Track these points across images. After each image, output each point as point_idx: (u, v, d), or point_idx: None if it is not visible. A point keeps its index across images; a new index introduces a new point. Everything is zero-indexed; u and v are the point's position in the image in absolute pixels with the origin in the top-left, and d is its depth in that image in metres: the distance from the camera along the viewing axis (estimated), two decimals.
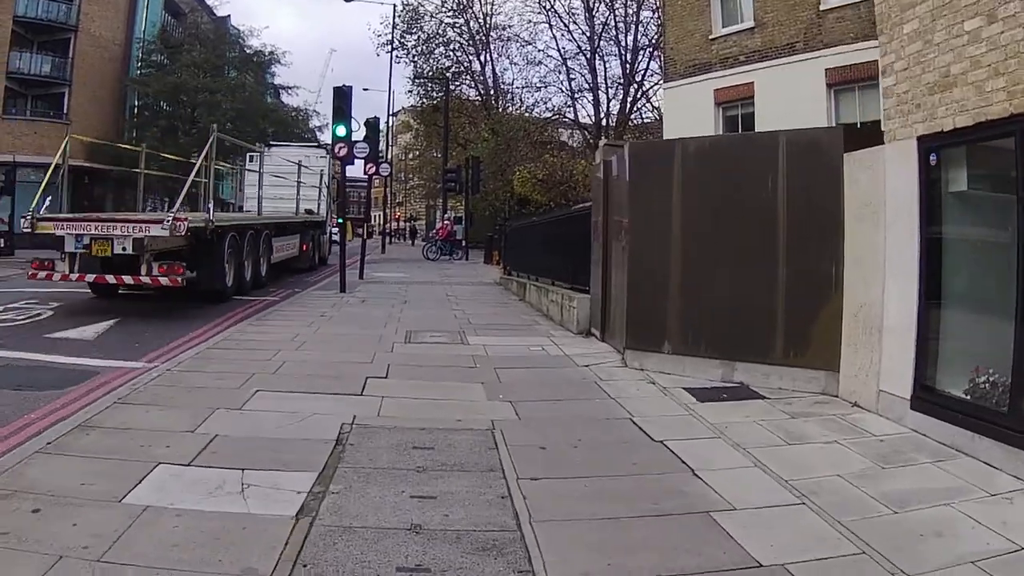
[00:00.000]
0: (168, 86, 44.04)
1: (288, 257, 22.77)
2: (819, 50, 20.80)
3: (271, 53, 48.35)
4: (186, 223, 14.10)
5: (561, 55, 45.93)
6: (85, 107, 43.93)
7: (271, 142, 34.39)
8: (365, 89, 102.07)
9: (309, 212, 25.34)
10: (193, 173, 15.90)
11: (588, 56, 44.58)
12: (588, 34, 44.53)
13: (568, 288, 13.89)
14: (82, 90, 43.78)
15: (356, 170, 27.18)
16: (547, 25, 46.11)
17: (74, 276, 14.43)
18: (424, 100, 48.60)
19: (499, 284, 22.32)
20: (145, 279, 14.18)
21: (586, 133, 45.09)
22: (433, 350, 10.69)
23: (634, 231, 9.86)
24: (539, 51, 58.68)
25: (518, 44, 48.40)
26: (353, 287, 19.70)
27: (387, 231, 56.93)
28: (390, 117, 66.03)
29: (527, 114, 44.98)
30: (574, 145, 45.93)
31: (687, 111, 23.88)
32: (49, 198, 15.55)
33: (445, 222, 39.78)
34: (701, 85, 23.80)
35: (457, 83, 46.66)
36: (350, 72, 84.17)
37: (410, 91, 49.44)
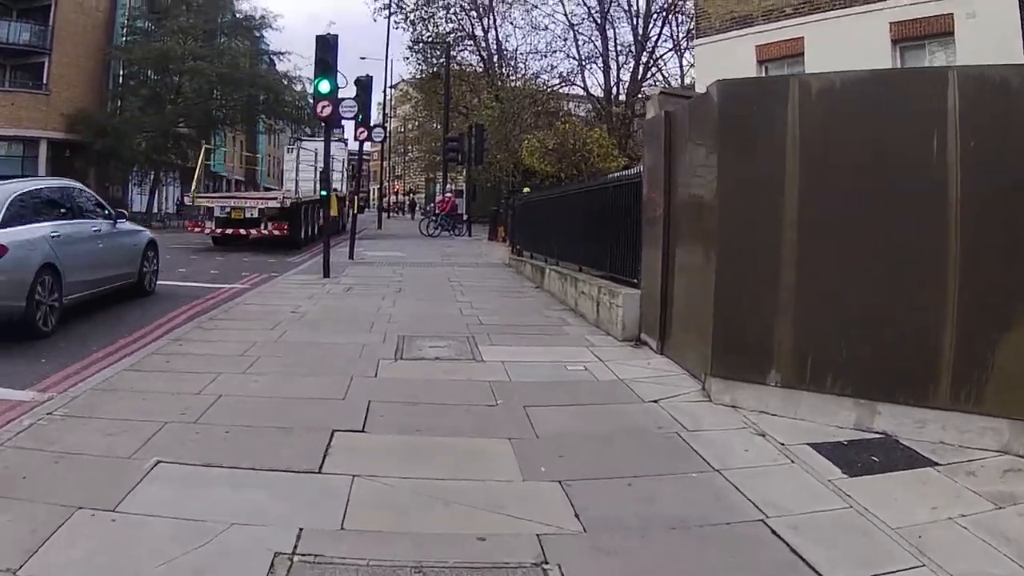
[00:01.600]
0: (152, 53, 40.83)
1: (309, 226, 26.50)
2: (882, 0, 17.78)
3: (262, 17, 45.09)
4: (290, 199, 24.51)
5: (568, 19, 42.56)
6: (67, 77, 40.84)
7: (303, 137, 38.07)
8: (362, 58, 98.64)
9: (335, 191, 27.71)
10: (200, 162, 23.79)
11: (598, 20, 41.24)
12: None
13: (604, 278, 10.87)
14: (63, 59, 40.66)
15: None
16: None
17: (218, 231, 23.93)
18: (423, 67, 45.18)
19: (508, 266, 19.27)
20: (264, 232, 23.32)
21: (597, 102, 41.73)
22: (434, 371, 7.58)
23: (726, 209, 6.76)
24: (546, 15, 55.11)
25: (523, 8, 44.99)
26: (339, 270, 16.65)
27: (384, 205, 53.39)
28: (387, 89, 62.70)
29: (533, 82, 41.65)
30: (583, 115, 42.59)
31: (723, 72, 20.36)
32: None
33: (446, 195, 36.44)
34: (740, 41, 20.67)
35: (459, 48, 43.28)
36: (348, 45, 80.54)
37: (407, 58, 46.08)
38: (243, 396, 6.47)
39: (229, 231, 23.47)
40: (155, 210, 49.16)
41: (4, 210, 9.32)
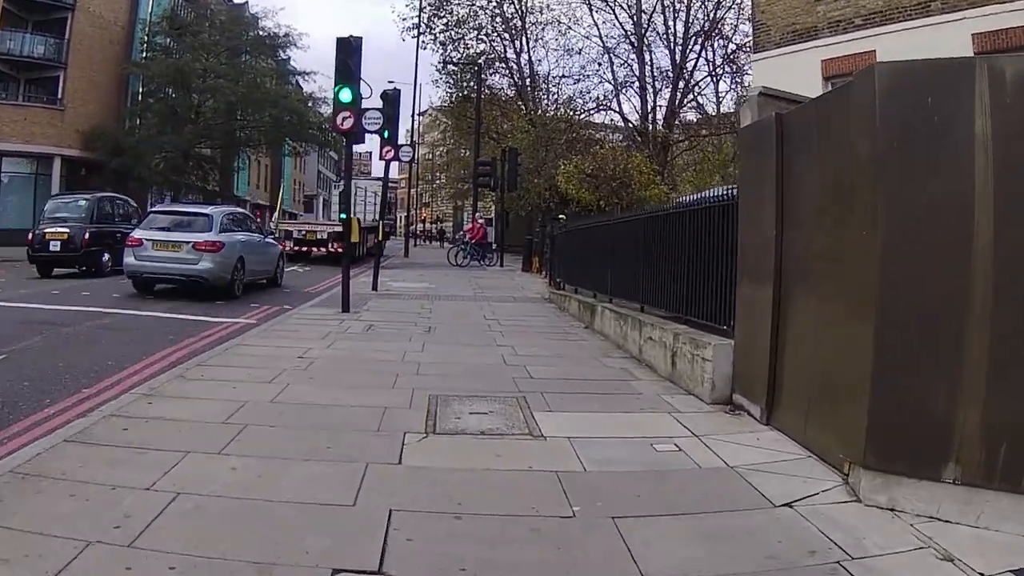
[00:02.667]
0: (169, 69, 39.33)
1: (371, 244, 30.03)
2: (962, 10, 15.93)
3: (286, 35, 43.41)
4: None
5: (603, 42, 40.69)
6: (81, 92, 39.40)
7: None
8: (390, 82, 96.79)
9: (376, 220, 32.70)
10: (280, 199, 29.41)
11: (635, 42, 39.34)
12: (635, 18, 39.37)
13: (677, 320, 8.96)
14: (79, 74, 39.25)
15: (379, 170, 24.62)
16: (588, 8, 40.58)
17: (296, 248, 29.21)
18: (453, 90, 43.35)
19: (548, 301, 17.33)
20: (331, 250, 28.49)
21: (634, 128, 39.76)
22: (480, 455, 5.59)
23: (891, 244, 4.79)
24: (582, 36, 53.18)
25: (556, 30, 43.24)
26: (360, 303, 14.81)
27: (411, 232, 51.54)
28: (415, 115, 61.14)
29: (567, 107, 39.74)
30: (617, 141, 40.59)
31: (784, 86, 18.84)
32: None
33: (477, 221, 34.42)
34: (804, 56, 18.75)
35: (490, 71, 41.49)
36: (376, 69, 79.67)
37: (436, 81, 44.30)
38: (210, 495, 4.51)
39: (304, 248, 29.90)
40: None
41: (219, 223, 16.44)
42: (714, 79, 40.39)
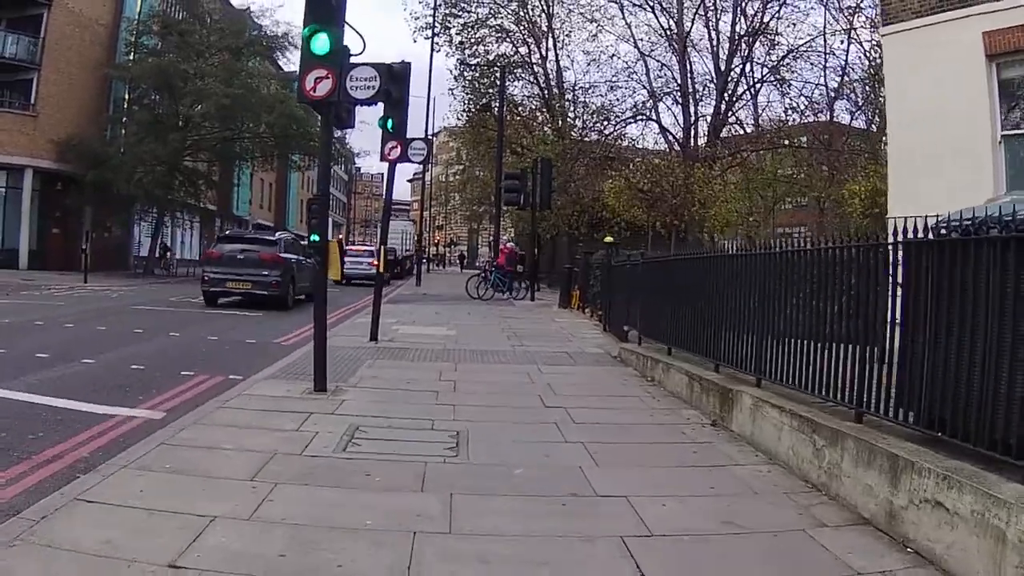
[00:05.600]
0: (152, 70, 34.27)
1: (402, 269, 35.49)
2: None
3: (285, 34, 37.97)
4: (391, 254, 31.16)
5: (637, 47, 35.26)
6: (58, 97, 34.54)
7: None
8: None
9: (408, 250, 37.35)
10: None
11: (676, 46, 33.94)
12: (677, 15, 34.06)
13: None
14: (55, 76, 34.43)
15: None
16: (619, 9, 35.07)
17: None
18: (472, 97, 37.89)
19: (622, 362, 11.92)
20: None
21: (676, 140, 34.28)
22: None
23: None
24: (614, 40, 47.69)
25: (586, 32, 37.88)
26: (348, 370, 9.68)
27: (423, 257, 45.72)
28: (429, 131, 55.80)
29: (599, 116, 34.30)
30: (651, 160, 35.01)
31: (928, 69, 13.56)
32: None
33: (507, 244, 28.44)
34: (955, 26, 13.48)
35: (512, 76, 36.06)
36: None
37: (452, 90, 38.83)
38: None
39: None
40: (168, 253, 42.57)
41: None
42: (752, 92, 34.90)
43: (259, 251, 19.85)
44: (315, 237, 8.16)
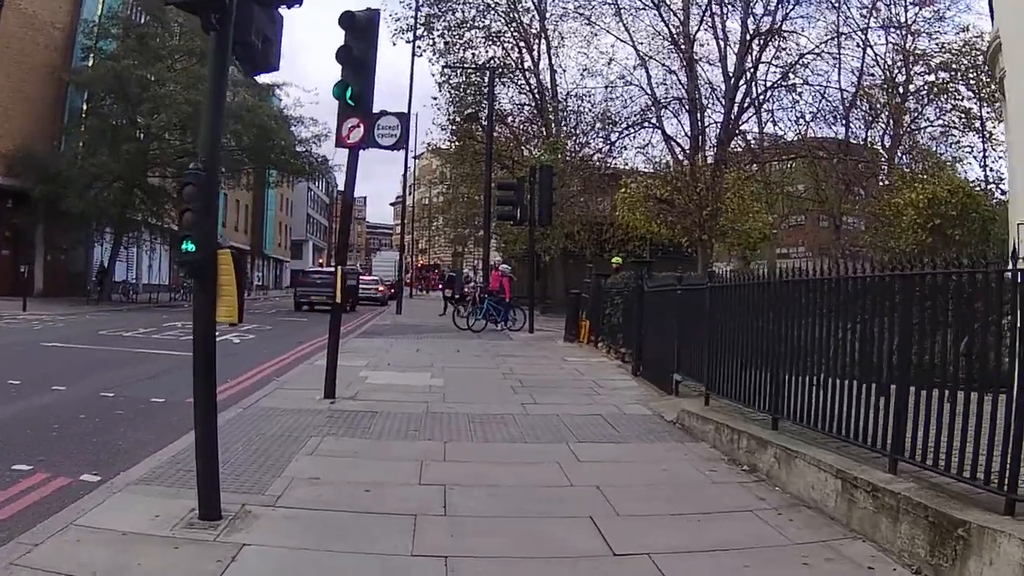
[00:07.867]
0: (107, 75, 30.53)
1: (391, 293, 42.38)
2: None
3: None
4: (388, 281, 52.28)
5: (637, 51, 31.58)
6: (6, 105, 30.78)
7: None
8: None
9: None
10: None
11: (683, 48, 30.26)
12: (683, 14, 30.47)
13: None
14: (4, 83, 30.57)
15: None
16: (615, 12, 31.57)
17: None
18: (458, 107, 34.14)
19: (688, 433, 8.10)
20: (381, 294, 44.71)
21: (683, 150, 30.50)
22: None
23: None
24: (612, 43, 44.05)
25: (580, 36, 34.19)
26: (274, 463, 5.99)
27: (401, 282, 41.11)
28: (411, 154, 52.06)
29: (602, 121, 30.67)
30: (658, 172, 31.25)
31: None
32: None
33: (499, 268, 24.13)
34: None
35: (501, 81, 32.40)
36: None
37: (436, 99, 35.15)
38: None
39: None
40: (133, 278, 38.63)
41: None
42: (755, 104, 31.19)
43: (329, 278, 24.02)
44: (189, 246, 4.18)
